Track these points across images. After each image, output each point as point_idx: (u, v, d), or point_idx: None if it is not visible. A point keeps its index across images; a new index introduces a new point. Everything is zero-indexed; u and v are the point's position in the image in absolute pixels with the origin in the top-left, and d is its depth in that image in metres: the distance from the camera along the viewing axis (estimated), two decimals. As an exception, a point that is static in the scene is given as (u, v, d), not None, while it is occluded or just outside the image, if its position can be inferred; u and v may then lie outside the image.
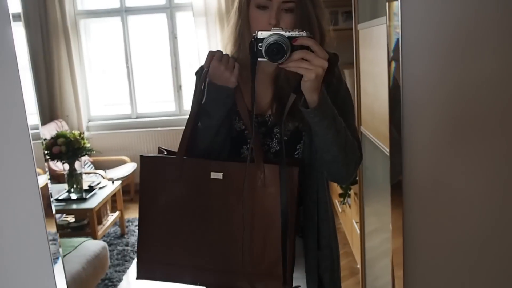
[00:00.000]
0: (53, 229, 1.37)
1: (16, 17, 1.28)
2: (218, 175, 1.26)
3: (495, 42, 1.36)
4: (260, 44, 1.14)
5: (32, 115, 1.33)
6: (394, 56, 1.36)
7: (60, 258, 1.41)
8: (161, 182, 1.32)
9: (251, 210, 1.26)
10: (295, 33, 1.14)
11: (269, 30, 1.16)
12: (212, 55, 1.24)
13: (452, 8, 1.34)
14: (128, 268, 3.77)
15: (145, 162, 1.35)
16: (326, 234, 1.38)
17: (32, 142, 1.31)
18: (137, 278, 1.35)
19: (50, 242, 1.36)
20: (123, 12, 5.60)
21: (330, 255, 1.41)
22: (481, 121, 1.41)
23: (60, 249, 1.41)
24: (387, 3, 1.36)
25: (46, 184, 1.38)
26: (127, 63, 5.68)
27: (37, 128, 1.33)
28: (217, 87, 1.25)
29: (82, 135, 3.95)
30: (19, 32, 1.30)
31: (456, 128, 1.41)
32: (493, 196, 1.46)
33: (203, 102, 1.29)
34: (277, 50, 1.12)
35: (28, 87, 1.32)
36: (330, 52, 1.24)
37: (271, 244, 1.26)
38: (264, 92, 1.34)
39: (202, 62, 1.29)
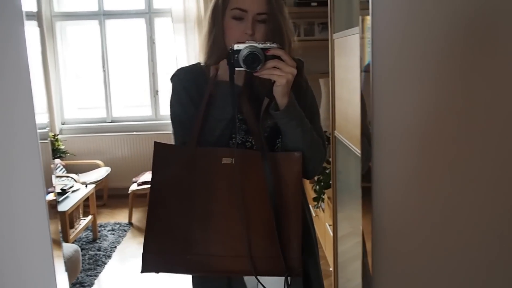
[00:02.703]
0: (56, 227, 1.35)
1: (30, 15, 1.28)
2: (229, 160, 1.35)
3: (461, 55, 1.43)
4: (236, 55, 1.27)
5: (42, 114, 1.31)
6: (365, 67, 1.45)
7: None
8: (174, 169, 1.37)
9: (252, 194, 1.35)
10: (267, 45, 1.28)
11: (243, 42, 1.28)
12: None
13: (422, 23, 1.41)
14: (100, 272, 3.74)
15: (158, 149, 1.39)
16: (304, 219, 1.44)
17: (39, 141, 1.29)
18: (142, 271, 1.36)
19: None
20: (101, 16, 5.59)
21: (311, 240, 1.50)
22: (449, 127, 1.46)
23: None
24: (360, 17, 1.44)
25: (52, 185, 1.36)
26: (103, 67, 5.65)
27: (45, 128, 1.32)
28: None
29: (56, 137, 3.92)
30: (31, 31, 1.30)
31: (425, 135, 1.47)
32: (462, 200, 1.50)
33: (213, 98, 1.36)
34: (253, 59, 1.26)
35: (39, 86, 1.30)
36: (296, 58, 1.38)
37: (269, 228, 1.33)
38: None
39: None
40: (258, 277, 1.34)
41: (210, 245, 1.34)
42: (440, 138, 1.47)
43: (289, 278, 1.35)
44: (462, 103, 1.45)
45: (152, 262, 1.36)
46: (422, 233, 1.52)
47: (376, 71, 1.41)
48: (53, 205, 1.30)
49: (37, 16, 1.33)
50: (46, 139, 1.31)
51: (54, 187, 1.32)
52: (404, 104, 1.44)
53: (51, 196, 1.29)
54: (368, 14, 1.39)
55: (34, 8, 1.30)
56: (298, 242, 1.35)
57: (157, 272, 1.37)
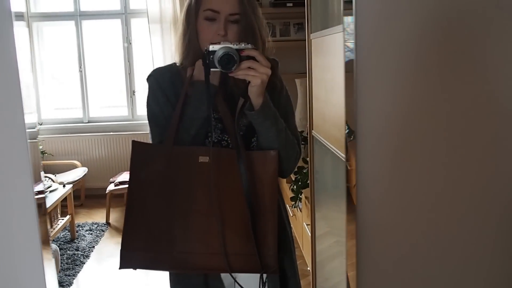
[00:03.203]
0: (44, 229, 1.36)
1: (19, 16, 1.28)
2: (205, 159, 1.37)
3: (442, 53, 1.47)
4: (211, 56, 1.29)
5: (31, 114, 1.31)
6: (347, 67, 1.49)
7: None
8: (151, 168, 1.38)
9: (228, 192, 1.37)
10: (241, 46, 1.29)
11: (218, 43, 1.30)
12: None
13: (403, 22, 1.44)
14: (78, 272, 3.74)
15: (136, 148, 1.40)
16: (280, 217, 1.47)
17: (28, 141, 1.29)
18: (120, 267, 1.38)
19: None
20: (78, 16, 5.56)
21: (287, 237, 1.53)
22: (431, 124, 1.50)
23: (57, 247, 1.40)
24: (343, 18, 1.47)
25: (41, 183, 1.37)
26: (80, 67, 5.63)
27: (34, 127, 1.32)
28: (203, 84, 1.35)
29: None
30: (20, 32, 1.29)
31: (406, 133, 1.50)
32: (443, 198, 1.54)
33: (189, 97, 1.38)
34: (228, 60, 1.27)
35: (27, 86, 1.31)
36: (271, 58, 1.42)
37: (244, 226, 1.35)
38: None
39: None
40: (235, 274, 1.36)
41: (187, 242, 1.36)
42: (421, 136, 1.50)
43: (264, 275, 1.38)
44: (444, 101, 1.48)
45: (129, 259, 1.38)
46: (406, 232, 1.54)
47: (359, 70, 1.43)
48: (41, 203, 1.31)
49: (26, 17, 1.34)
50: (35, 139, 1.33)
51: (44, 186, 1.33)
52: (386, 102, 1.47)
53: (39, 195, 1.31)
54: (351, 14, 1.42)
55: (22, 9, 1.31)
56: (274, 240, 1.37)
57: (134, 268, 1.39)
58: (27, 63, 1.30)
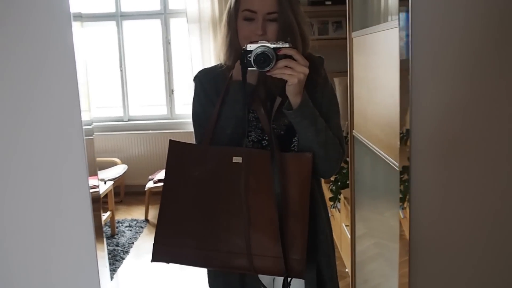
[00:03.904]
0: (98, 222, 1.38)
1: (77, 16, 1.29)
2: (239, 159, 1.37)
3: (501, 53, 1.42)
4: (249, 55, 1.29)
5: (86, 112, 1.33)
6: (403, 65, 1.46)
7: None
8: (187, 166, 1.40)
9: (259, 193, 1.35)
10: (279, 44, 1.29)
11: (256, 42, 1.30)
12: None
13: (461, 20, 1.41)
14: (118, 267, 3.80)
15: (173, 147, 1.43)
16: (320, 219, 1.47)
17: (84, 137, 1.32)
18: (152, 260, 1.40)
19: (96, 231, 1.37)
20: (119, 16, 5.67)
21: (326, 240, 1.50)
22: (491, 129, 1.44)
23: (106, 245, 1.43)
24: (389, 16, 1.45)
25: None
26: (121, 66, 5.73)
27: (90, 125, 1.34)
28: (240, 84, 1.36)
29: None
30: (77, 32, 1.32)
31: (462, 137, 1.44)
32: (501, 207, 1.48)
33: (228, 97, 1.39)
34: (263, 59, 1.27)
35: (83, 84, 1.34)
36: (316, 55, 1.42)
37: (273, 228, 1.33)
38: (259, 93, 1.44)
39: (195, 68, 1.39)
40: (262, 275, 1.36)
41: (214, 240, 1.37)
42: (478, 140, 1.46)
43: (289, 278, 1.35)
44: (505, 103, 1.42)
45: (161, 253, 1.40)
46: (461, 240, 1.51)
47: (414, 69, 1.40)
48: (96, 198, 1.34)
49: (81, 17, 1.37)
50: (91, 136, 1.35)
51: (98, 180, 1.36)
52: (441, 103, 1.43)
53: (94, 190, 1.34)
54: (406, 11, 1.39)
55: (80, 10, 1.34)
56: (303, 244, 1.34)
57: (166, 262, 1.41)
58: (83, 62, 1.33)
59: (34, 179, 1.41)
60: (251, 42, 1.31)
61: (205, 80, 1.49)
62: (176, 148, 1.42)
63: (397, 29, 1.47)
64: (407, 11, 1.40)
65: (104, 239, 1.41)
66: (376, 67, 1.96)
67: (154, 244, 1.41)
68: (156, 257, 1.41)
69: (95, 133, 4.84)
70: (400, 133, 1.51)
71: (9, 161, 1.41)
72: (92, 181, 1.33)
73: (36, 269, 1.42)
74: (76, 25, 1.27)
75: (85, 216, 1.36)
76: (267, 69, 1.28)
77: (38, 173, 1.41)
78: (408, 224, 1.51)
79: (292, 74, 1.27)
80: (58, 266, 1.42)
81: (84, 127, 1.30)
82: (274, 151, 1.35)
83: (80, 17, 1.31)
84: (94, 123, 5.23)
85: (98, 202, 1.37)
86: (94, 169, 1.35)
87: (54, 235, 1.42)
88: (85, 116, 1.30)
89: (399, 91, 1.49)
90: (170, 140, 1.43)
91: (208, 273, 1.56)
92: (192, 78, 1.52)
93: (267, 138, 1.44)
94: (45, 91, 1.31)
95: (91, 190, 1.32)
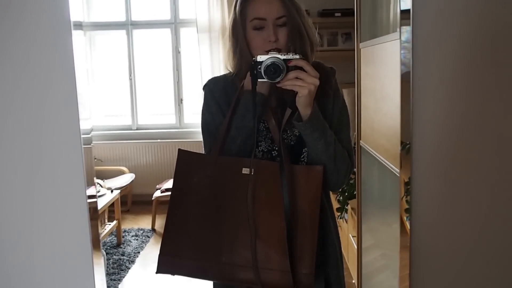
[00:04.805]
0: (95, 232, 1.37)
1: (77, 25, 1.30)
2: (248, 171, 1.35)
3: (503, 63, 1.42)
4: (259, 67, 1.28)
5: (86, 120, 1.32)
6: (404, 75, 1.46)
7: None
8: (195, 176, 1.39)
9: (268, 205, 1.34)
10: (289, 56, 1.28)
11: (267, 53, 1.30)
12: None
13: (461, 34, 1.40)
14: (123, 277, 3.79)
15: (182, 156, 1.41)
16: (329, 232, 1.44)
17: (82, 146, 1.31)
18: (157, 272, 1.38)
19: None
20: (129, 25, 5.70)
21: (335, 253, 1.46)
22: (491, 138, 1.43)
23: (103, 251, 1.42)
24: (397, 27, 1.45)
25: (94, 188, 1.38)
26: (130, 75, 5.75)
27: (88, 133, 1.33)
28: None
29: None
30: (77, 40, 1.31)
31: (464, 146, 1.43)
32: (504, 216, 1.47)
33: (238, 107, 1.38)
34: (274, 70, 1.26)
35: (82, 93, 1.33)
36: (327, 66, 1.41)
37: (281, 241, 1.31)
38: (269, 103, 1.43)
39: (204, 77, 1.37)
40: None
41: (220, 252, 1.35)
42: (479, 150, 1.44)
43: None
44: (504, 113, 1.42)
45: (166, 264, 1.39)
46: (461, 248, 1.50)
47: (416, 79, 1.40)
48: (94, 207, 1.33)
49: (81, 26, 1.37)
50: (90, 144, 1.34)
51: (95, 189, 1.35)
52: (442, 113, 1.42)
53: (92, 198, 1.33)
54: (408, 24, 1.39)
55: (80, 18, 1.34)
56: (311, 258, 1.32)
57: (171, 274, 1.39)
58: (83, 70, 1.33)
59: (31, 188, 1.41)
60: (264, 51, 1.31)
61: (215, 89, 1.48)
62: (184, 157, 1.42)
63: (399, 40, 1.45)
64: (409, 25, 1.40)
65: (102, 251, 1.39)
66: (383, 78, 1.94)
67: (159, 255, 1.39)
68: (161, 269, 1.39)
69: (102, 141, 4.84)
70: (407, 144, 1.49)
71: (6, 169, 1.41)
72: (90, 191, 1.31)
73: (32, 280, 1.41)
74: (76, 34, 1.27)
75: (82, 227, 1.35)
76: (278, 80, 1.27)
77: (35, 182, 1.40)
78: (409, 235, 1.49)
79: (303, 85, 1.26)
80: (54, 278, 1.41)
81: (82, 136, 1.29)
82: (284, 163, 1.33)
83: (80, 25, 1.30)
84: (103, 131, 5.23)
85: (96, 212, 1.35)
86: (92, 178, 1.34)
87: (51, 246, 1.42)
88: (84, 125, 1.29)
89: (400, 102, 1.49)
90: (179, 149, 1.42)
91: (213, 286, 1.55)
92: (202, 87, 1.51)
93: (277, 148, 1.42)
94: (43, 100, 1.31)
95: (89, 200, 1.30)
